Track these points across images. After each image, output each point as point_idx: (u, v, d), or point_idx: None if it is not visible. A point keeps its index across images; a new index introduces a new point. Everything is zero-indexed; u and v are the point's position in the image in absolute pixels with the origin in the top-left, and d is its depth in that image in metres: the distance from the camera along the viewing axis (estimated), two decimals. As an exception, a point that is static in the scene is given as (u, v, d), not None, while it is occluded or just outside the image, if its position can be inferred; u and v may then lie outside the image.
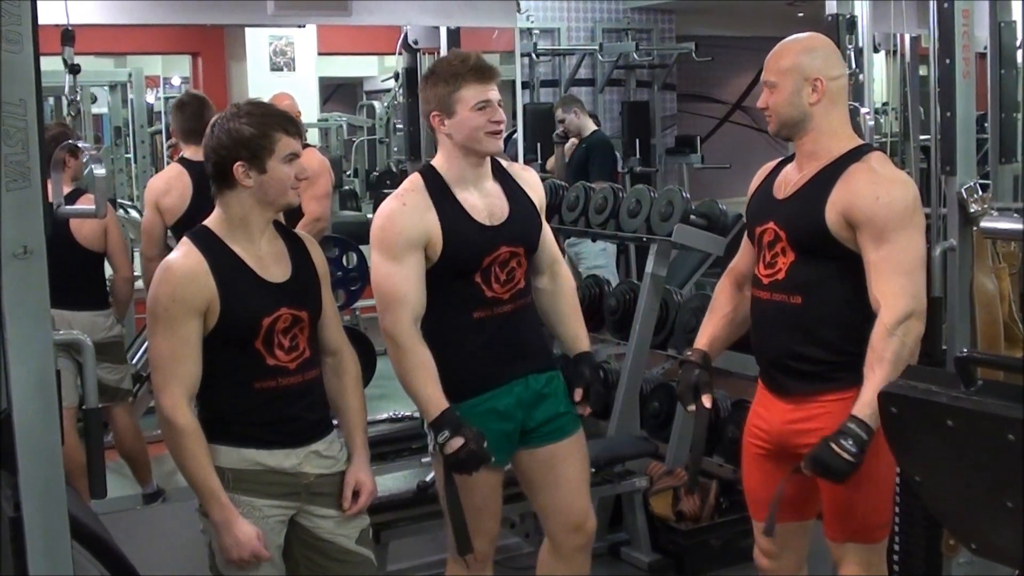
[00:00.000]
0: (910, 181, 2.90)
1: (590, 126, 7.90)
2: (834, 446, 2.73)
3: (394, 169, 10.34)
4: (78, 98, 4.26)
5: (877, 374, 2.70)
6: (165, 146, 9.38)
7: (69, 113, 4.35)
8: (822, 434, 2.82)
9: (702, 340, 3.21)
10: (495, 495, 3.24)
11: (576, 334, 3.36)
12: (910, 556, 3.54)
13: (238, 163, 2.78)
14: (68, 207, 3.18)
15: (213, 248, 2.83)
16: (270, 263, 2.88)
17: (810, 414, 2.92)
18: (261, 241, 2.88)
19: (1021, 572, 2.16)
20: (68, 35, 3.98)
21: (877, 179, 2.84)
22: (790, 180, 2.98)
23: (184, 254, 2.82)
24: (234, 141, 2.79)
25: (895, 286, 2.76)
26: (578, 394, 3.25)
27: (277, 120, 2.81)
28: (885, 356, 2.73)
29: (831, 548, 3.03)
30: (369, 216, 8.44)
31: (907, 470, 2.15)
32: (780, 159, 3.13)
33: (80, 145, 3.77)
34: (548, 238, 3.34)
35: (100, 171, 3.03)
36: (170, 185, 4.78)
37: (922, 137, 4.78)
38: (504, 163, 3.29)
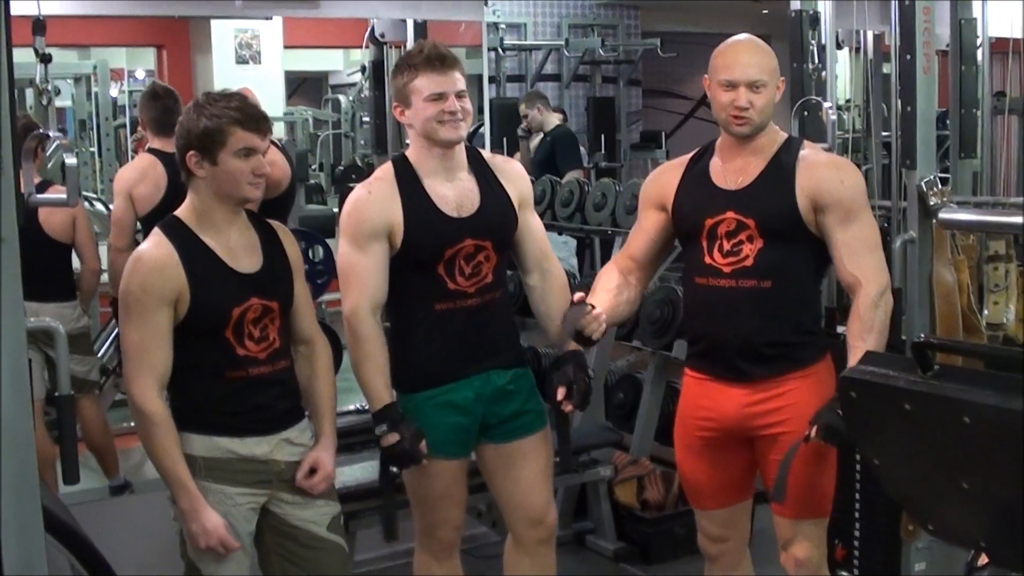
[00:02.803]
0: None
1: (553, 121, 7.96)
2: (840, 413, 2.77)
3: (359, 163, 10.33)
4: (49, 87, 4.25)
5: (868, 342, 2.83)
6: (130, 140, 9.33)
7: (40, 102, 4.33)
8: (788, 412, 2.97)
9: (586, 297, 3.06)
10: (457, 485, 3.24)
11: None
12: (870, 541, 3.60)
13: (190, 153, 2.82)
14: (40, 196, 3.18)
15: (184, 238, 2.85)
16: (241, 254, 2.90)
17: (772, 394, 3.01)
18: (231, 232, 2.90)
19: (977, 553, 2.21)
20: (39, 25, 3.97)
21: (835, 164, 3.05)
22: (736, 172, 3.05)
23: (155, 244, 2.84)
24: (188, 132, 2.83)
25: (871, 261, 2.95)
26: (560, 392, 3.14)
27: (233, 113, 2.81)
28: (874, 326, 2.90)
29: (780, 528, 3.10)
30: (335, 210, 8.46)
31: (866, 454, 2.20)
32: (678, 160, 3.20)
33: (51, 134, 3.76)
34: (536, 234, 3.28)
35: (71, 160, 3.02)
36: (144, 174, 4.71)
37: (883, 133, 4.85)
38: (486, 155, 3.28)
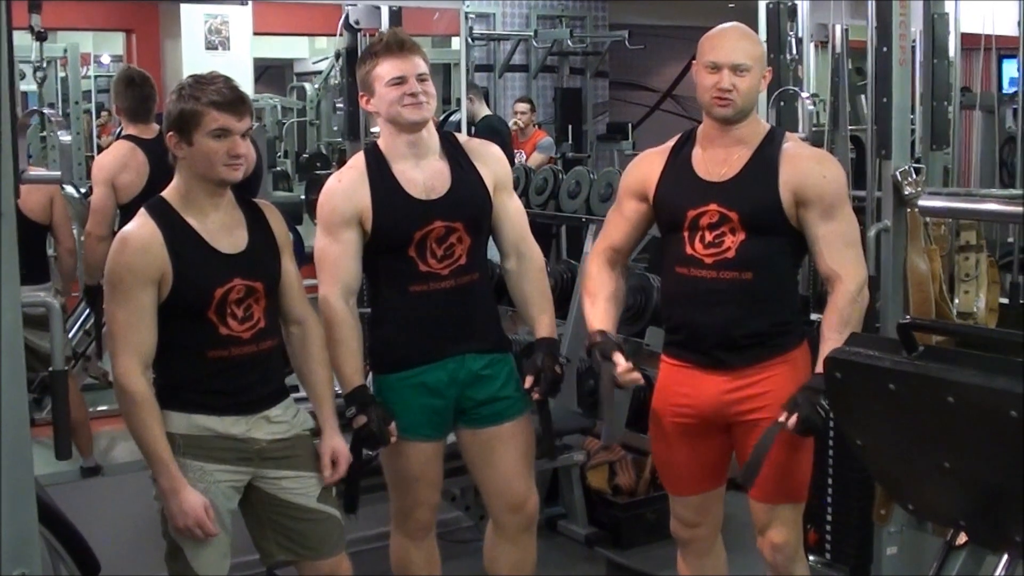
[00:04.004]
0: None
1: (483, 112, 8.05)
2: (817, 407, 2.84)
3: (324, 151, 10.32)
4: (44, 64, 4.23)
5: (844, 335, 2.77)
6: (94, 124, 9.26)
7: (35, 79, 4.31)
8: (766, 399, 3.00)
9: (600, 321, 3.13)
10: (432, 466, 3.25)
11: (537, 319, 3.28)
12: (842, 525, 3.65)
13: (170, 134, 2.85)
14: (32, 173, 3.17)
15: (168, 219, 2.86)
16: (225, 234, 2.92)
17: (751, 381, 3.04)
18: (216, 213, 2.91)
19: (955, 531, 2.26)
20: (35, 3, 3.96)
21: (818, 159, 3.08)
22: (719, 163, 3.07)
23: (139, 225, 2.86)
24: (169, 113, 2.86)
25: (850, 256, 2.99)
26: (528, 381, 3.17)
27: (208, 95, 2.83)
28: (852, 319, 2.94)
29: (757, 512, 3.12)
30: (301, 197, 8.44)
31: (849, 434, 2.23)
32: (659, 148, 3.21)
33: (46, 111, 3.74)
34: (513, 217, 3.28)
35: (66, 138, 3.02)
36: (125, 162, 4.65)
37: (850, 127, 4.90)
38: (462, 139, 3.30)
